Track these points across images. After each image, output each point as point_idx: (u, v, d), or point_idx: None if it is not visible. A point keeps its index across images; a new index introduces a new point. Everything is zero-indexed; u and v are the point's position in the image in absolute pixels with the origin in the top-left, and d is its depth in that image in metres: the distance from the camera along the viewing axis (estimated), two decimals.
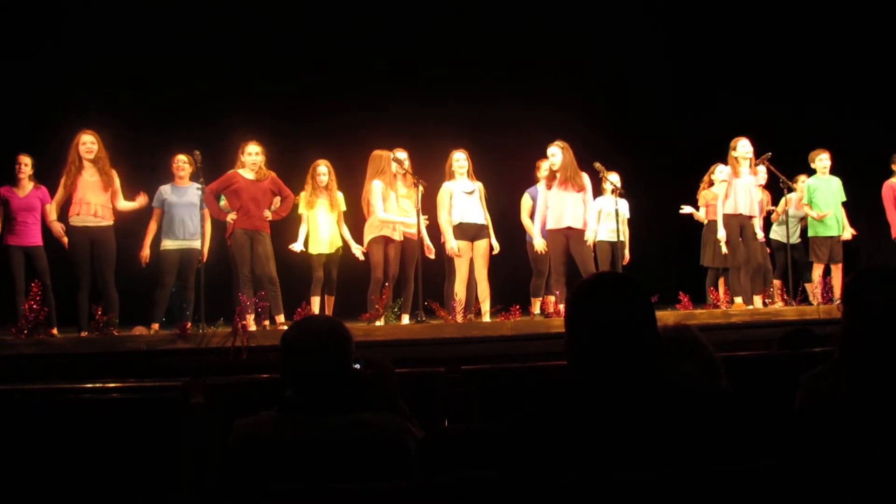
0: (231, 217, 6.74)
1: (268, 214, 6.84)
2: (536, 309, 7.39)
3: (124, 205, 6.79)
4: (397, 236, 7.16)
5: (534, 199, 7.75)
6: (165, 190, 7.09)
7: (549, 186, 7.24)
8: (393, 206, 7.14)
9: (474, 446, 2.05)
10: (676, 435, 1.74)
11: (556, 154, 7.17)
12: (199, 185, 6.71)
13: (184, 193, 7.08)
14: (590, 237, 7.20)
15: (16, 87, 8.17)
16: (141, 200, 6.89)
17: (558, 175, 7.16)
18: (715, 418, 1.78)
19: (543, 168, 7.73)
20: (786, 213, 8.28)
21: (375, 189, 7.08)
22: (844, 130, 8.77)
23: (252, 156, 6.83)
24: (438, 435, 2.20)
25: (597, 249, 7.70)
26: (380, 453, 2.16)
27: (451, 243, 7.17)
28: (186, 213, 7.02)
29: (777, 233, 8.61)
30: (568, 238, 7.14)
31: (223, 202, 6.98)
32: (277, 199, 6.97)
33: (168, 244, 7.02)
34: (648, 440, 1.73)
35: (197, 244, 6.89)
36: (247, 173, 6.85)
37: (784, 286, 7.92)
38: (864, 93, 9.11)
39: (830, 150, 8.17)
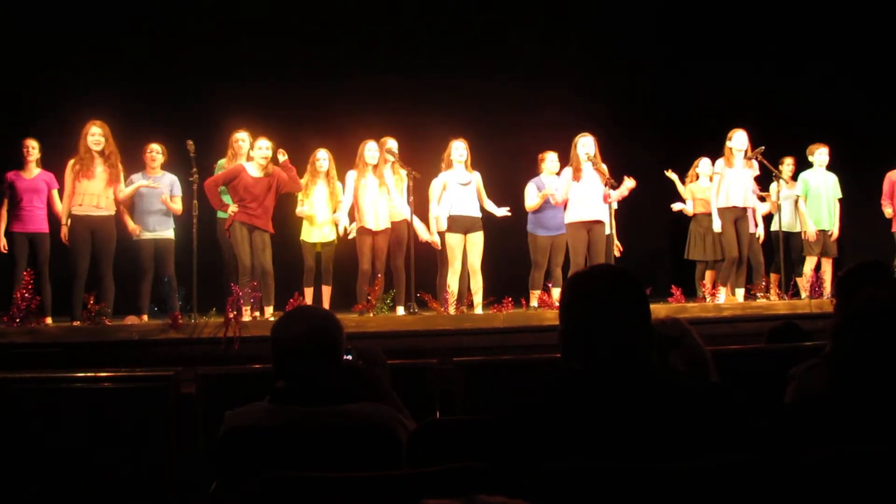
0: (232, 209, 6.66)
1: (283, 155, 6.74)
2: (534, 301, 7.38)
3: (122, 194, 6.76)
4: (377, 226, 7.04)
5: (540, 190, 7.66)
6: (137, 179, 7.02)
7: (576, 178, 7.10)
8: (369, 196, 7.03)
9: (465, 438, 2.05)
10: (666, 428, 1.75)
11: (591, 144, 7.11)
12: (193, 175, 6.68)
13: (155, 183, 7.01)
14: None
15: (17, 71, 8.10)
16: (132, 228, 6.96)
17: (586, 166, 7.07)
18: (702, 412, 1.78)
19: (549, 160, 7.70)
20: (778, 206, 8.14)
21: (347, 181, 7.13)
22: (842, 122, 8.71)
23: (263, 150, 6.67)
24: (429, 426, 2.20)
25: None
26: (371, 444, 2.16)
27: (425, 235, 7.22)
28: (158, 202, 7.01)
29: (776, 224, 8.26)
30: (589, 232, 7.09)
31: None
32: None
33: (142, 234, 7.01)
34: (639, 432, 1.74)
35: (170, 234, 7.06)
36: (252, 169, 6.70)
37: (778, 279, 7.85)
38: (863, 84, 9.03)
39: (828, 143, 8.10)
